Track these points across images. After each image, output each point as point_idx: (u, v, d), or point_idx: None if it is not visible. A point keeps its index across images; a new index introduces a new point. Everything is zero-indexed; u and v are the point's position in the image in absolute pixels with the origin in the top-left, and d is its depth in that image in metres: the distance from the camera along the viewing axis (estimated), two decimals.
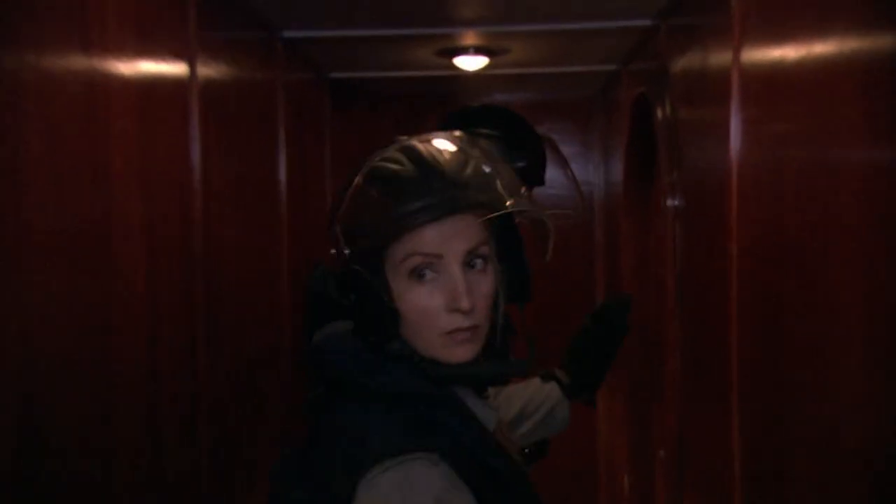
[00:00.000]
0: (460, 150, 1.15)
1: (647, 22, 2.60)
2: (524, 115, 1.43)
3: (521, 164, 1.35)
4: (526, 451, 1.52)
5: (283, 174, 2.71)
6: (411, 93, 3.87)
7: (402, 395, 1.12)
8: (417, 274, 1.12)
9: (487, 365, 1.19)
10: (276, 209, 2.68)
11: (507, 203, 1.10)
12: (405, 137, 1.19)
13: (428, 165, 1.11)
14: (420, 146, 1.14)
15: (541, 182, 1.52)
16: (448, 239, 1.11)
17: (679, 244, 2.36)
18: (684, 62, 2.28)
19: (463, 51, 2.99)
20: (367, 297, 1.12)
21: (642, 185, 3.22)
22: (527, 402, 1.58)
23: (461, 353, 1.14)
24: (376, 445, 1.07)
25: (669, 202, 2.44)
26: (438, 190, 1.09)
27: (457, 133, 1.19)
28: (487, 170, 1.13)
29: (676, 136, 2.39)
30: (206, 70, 1.99)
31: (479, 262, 1.14)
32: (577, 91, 4.00)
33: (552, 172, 1.47)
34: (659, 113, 2.53)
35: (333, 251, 1.17)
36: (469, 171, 1.12)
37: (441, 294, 1.12)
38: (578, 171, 4.02)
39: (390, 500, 1.02)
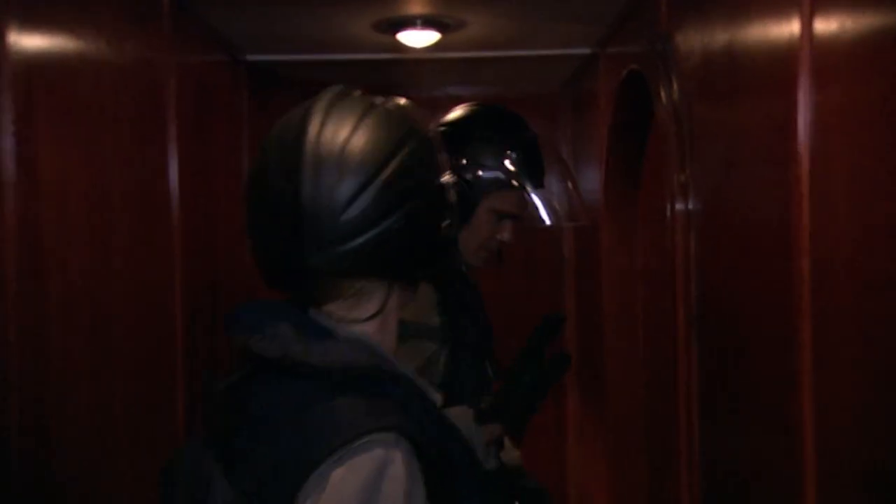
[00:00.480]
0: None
1: None
2: None
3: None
4: None
5: (174, 178, 2.09)
6: (346, 80, 3.26)
7: (353, 370, 1.01)
8: None
9: None
10: (164, 221, 2.06)
11: None
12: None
13: None
14: None
15: (539, 184, 1.87)
16: None
17: (695, 259, 1.81)
18: (702, 33, 1.73)
19: (408, 23, 2.41)
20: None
21: (626, 190, 2.68)
22: None
23: None
24: (326, 432, 0.96)
25: (679, 207, 1.88)
26: None
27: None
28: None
29: (687, 126, 1.84)
30: (30, 41, 1.42)
31: None
32: (541, 83, 3.45)
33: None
34: (663, 96, 1.98)
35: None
36: None
37: None
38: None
39: (350, 500, 0.93)
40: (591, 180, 2.99)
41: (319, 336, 1.03)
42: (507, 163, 1.90)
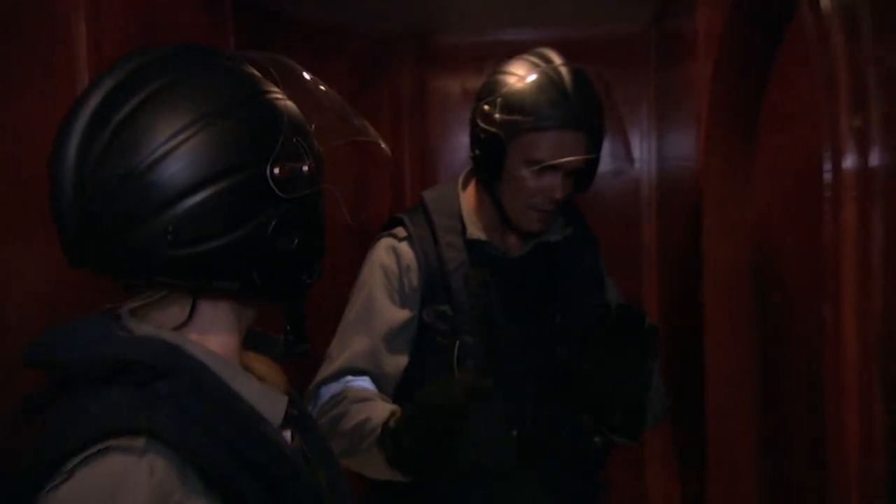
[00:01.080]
0: None
1: None
2: None
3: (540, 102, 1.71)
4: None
5: None
6: (367, 30, 2.69)
7: (112, 364, 0.86)
8: None
9: None
10: None
11: None
12: None
13: None
14: None
15: (576, 123, 1.73)
16: None
17: (881, 238, 1.16)
18: None
19: None
20: (319, 226, 1.04)
21: (736, 153, 2.00)
22: None
23: None
24: (60, 440, 0.79)
25: (848, 164, 1.23)
26: None
27: None
28: None
29: (867, 52, 1.19)
30: None
31: None
32: (618, 21, 2.77)
33: None
34: (810, 13, 1.32)
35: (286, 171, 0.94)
36: None
37: None
38: (618, 153, 2.82)
39: None
40: (684, 143, 2.32)
41: (102, 335, 0.89)
42: (529, 99, 1.72)
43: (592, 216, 2.77)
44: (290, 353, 1.01)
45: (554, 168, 1.72)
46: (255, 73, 0.98)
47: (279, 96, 0.96)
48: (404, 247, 1.81)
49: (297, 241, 0.94)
